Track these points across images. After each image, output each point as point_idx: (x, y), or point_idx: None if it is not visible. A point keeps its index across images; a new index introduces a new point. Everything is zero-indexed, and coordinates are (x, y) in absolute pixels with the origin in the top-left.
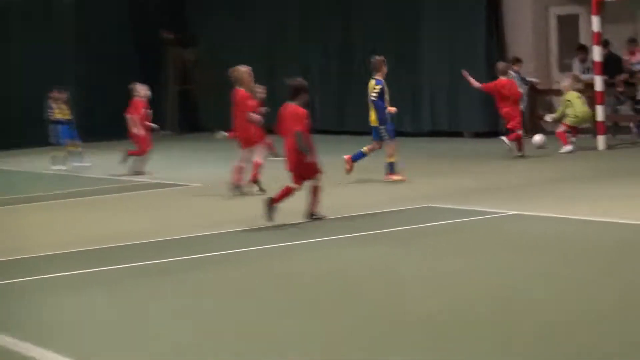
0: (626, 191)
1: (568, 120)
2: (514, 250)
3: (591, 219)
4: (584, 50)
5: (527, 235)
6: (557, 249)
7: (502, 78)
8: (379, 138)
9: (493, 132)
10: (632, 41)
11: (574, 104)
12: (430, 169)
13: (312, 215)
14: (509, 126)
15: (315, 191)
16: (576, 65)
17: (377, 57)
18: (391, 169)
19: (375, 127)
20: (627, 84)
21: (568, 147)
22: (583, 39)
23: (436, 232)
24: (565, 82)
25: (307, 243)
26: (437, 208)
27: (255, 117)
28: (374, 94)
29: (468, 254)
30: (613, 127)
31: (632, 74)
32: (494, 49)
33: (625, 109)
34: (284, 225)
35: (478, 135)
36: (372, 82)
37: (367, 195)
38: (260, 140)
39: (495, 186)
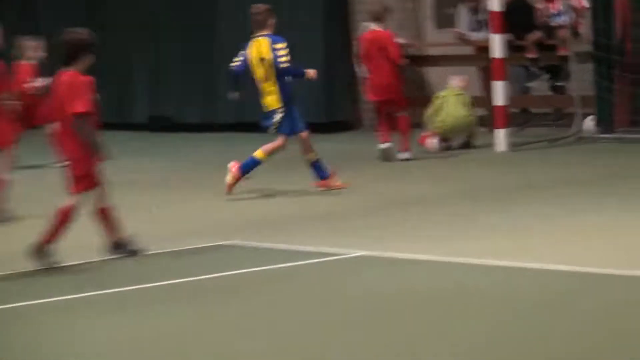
0: (528, 219)
1: (434, 126)
2: (358, 318)
3: (473, 261)
4: None
5: (380, 291)
6: (425, 311)
7: (375, 27)
8: (281, 128)
9: (332, 123)
10: None
11: (445, 104)
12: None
13: (120, 247)
14: (390, 104)
15: (105, 213)
16: (463, 17)
17: (261, 6)
18: (249, 167)
19: (272, 112)
20: (543, 47)
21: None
22: None
23: (235, 287)
24: (457, 80)
25: (15, 308)
26: (241, 247)
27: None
28: (284, 57)
29: (284, 326)
30: (521, 116)
31: (551, 31)
32: None
33: (541, 86)
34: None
35: (312, 129)
36: (266, 42)
37: (153, 225)
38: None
39: (333, 210)
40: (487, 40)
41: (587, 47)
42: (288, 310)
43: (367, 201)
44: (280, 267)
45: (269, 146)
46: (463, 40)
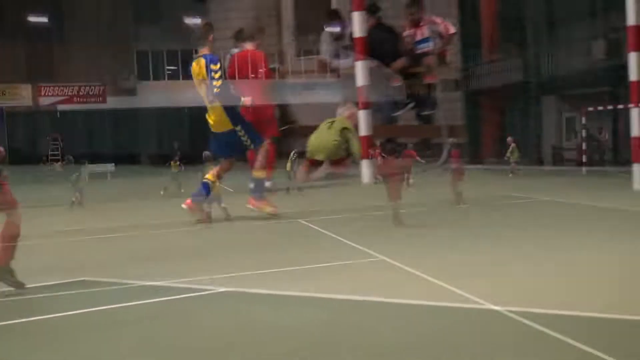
0: (368, 256)
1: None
2: (211, 354)
3: (346, 297)
4: (338, 19)
5: (236, 326)
6: (281, 345)
7: (248, 46)
8: (242, 150)
9: (195, 154)
10: (412, 5)
11: (317, 129)
12: (91, 213)
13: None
14: (261, 127)
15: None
16: (327, 43)
17: (201, 20)
18: (259, 189)
19: (229, 133)
20: (408, 75)
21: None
22: (336, 2)
23: (90, 324)
24: (343, 109)
25: None
26: (97, 283)
27: None
28: (216, 81)
29: None
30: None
31: (417, 58)
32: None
33: (407, 115)
34: None
35: (158, 160)
36: (203, 63)
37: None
38: None
39: (194, 245)
40: (351, 67)
41: (455, 74)
42: (141, 348)
43: (226, 236)
44: (141, 304)
45: (259, 161)
46: (326, 67)
